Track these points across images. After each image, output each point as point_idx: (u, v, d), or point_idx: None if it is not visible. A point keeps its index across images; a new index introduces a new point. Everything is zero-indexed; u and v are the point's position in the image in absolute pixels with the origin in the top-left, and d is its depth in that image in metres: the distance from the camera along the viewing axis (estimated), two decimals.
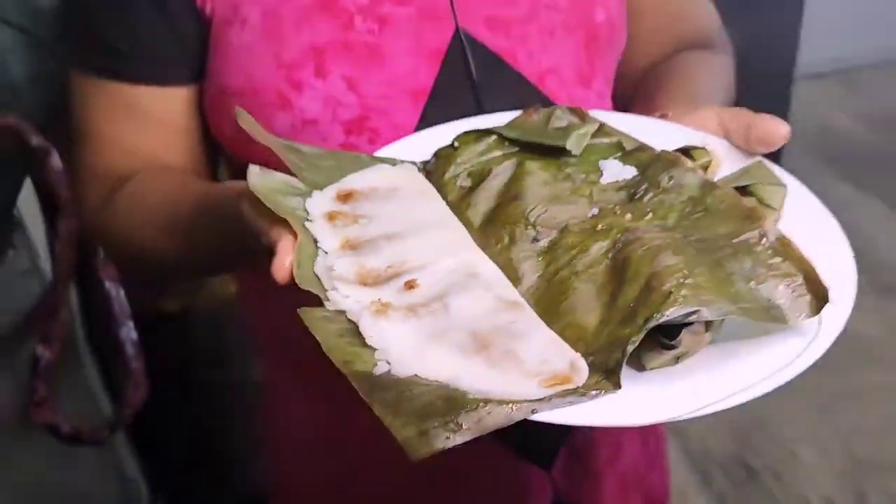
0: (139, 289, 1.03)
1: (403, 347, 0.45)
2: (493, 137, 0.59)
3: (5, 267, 0.93)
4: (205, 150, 0.77)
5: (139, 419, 1.08)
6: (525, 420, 0.43)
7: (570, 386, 0.43)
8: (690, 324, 0.44)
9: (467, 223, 0.55)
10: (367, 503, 0.87)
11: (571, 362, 0.45)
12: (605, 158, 0.57)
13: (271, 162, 0.56)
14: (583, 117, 0.60)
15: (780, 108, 2.87)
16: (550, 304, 0.48)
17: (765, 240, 0.48)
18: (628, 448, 0.91)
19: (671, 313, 0.43)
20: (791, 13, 2.73)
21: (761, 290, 0.46)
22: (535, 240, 0.51)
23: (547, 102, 0.69)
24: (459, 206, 0.56)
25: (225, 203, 0.58)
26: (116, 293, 0.97)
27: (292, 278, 0.49)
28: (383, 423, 0.42)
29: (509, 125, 0.61)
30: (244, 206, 0.53)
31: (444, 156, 0.59)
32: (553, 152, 0.57)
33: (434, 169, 0.59)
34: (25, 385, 0.99)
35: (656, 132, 0.59)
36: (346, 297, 0.48)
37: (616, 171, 0.55)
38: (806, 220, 0.53)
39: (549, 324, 0.47)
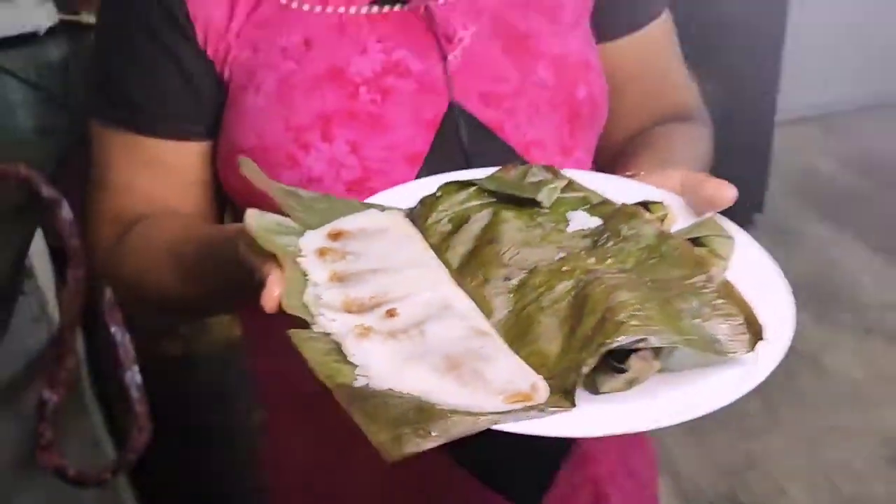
0: (144, 333, 1.04)
1: (382, 365, 0.50)
2: (473, 188, 0.64)
3: (16, 314, 0.95)
4: (214, 199, 0.81)
5: (140, 461, 1.09)
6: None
7: (531, 403, 0.48)
8: (639, 350, 0.49)
9: (446, 263, 0.59)
10: None
11: (533, 384, 0.49)
12: (573, 210, 0.62)
13: (273, 210, 0.60)
14: (555, 174, 0.65)
15: (761, 151, 2.91)
16: (517, 335, 0.53)
17: (711, 284, 0.53)
18: (615, 494, 0.92)
19: (622, 340, 0.48)
20: (770, 60, 2.78)
21: (705, 326, 0.51)
22: (507, 279, 0.56)
23: None
24: (440, 248, 0.60)
25: (224, 244, 0.62)
26: (122, 338, 0.98)
27: (281, 309, 0.52)
28: (361, 428, 0.46)
29: (488, 178, 0.65)
30: (241, 245, 0.57)
31: (428, 203, 0.64)
32: (526, 204, 0.62)
33: (418, 215, 0.63)
34: (31, 428, 1.00)
35: (621, 189, 0.64)
36: (332, 321, 0.52)
37: (582, 221, 0.60)
38: (752, 269, 0.58)
39: (516, 351, 0.52)
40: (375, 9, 0.75)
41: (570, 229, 0.60)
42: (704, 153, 0.85)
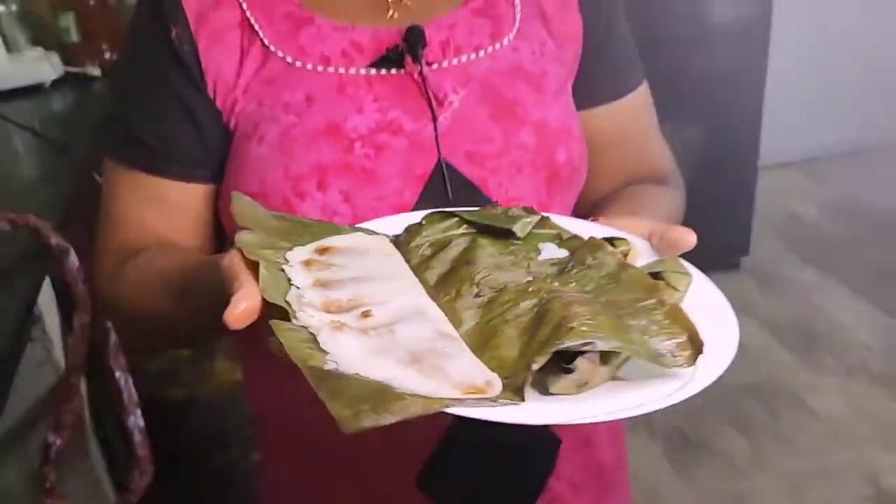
0: (148, 378, 1.06)
1: (351, 355, 0.53)
2: (455, 219, 0.69)
3: (23, 359, 0.97)
4: (214, 237, 0.85)
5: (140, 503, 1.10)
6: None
7: (484, 396, 0.52)
8: (586, 353, 0.53)
9: (424, 282, 0.63)
10: None
11: (488, 380, 0.53)
12: (545, 242, 0.67)
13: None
14: (531, 212, 0.70)
15: (746, 196, 2.96)
16: (481, 342, 0.57)
17: (660, 307, 0.57)
18: None
19: (570, 341, 0.52)
20: (752, 108, 2.83)
21: (650, 341, 0.55)
22: (478, 295, 0.60)
23: None
24: (419, 269, 0.64)
25: (212, 270, 0.63)
26: (126, 382, 1.00)
27: (242, 326, 0.55)
28: (325, 404, 0.49)
29: (469, 211, 0.70)
30: (223, 260, 0.60)
31: (413, 230, 0.68)
32: (503, 235, 0.67)
33: (402, 240, 0.68)
34: (34, 470, 1.01)
35: (594, 231, 0.69)
36: (311, 316, 0.56)
37: (552, 252, 0.65)
38: (706, 302, 0.62)
39: (478, 356, 0.55)
40: (373, 71, 0.79)
41: (540, 258, 0.64)
42: (674, 211, 0.89)
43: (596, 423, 0.90)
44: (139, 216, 0.82)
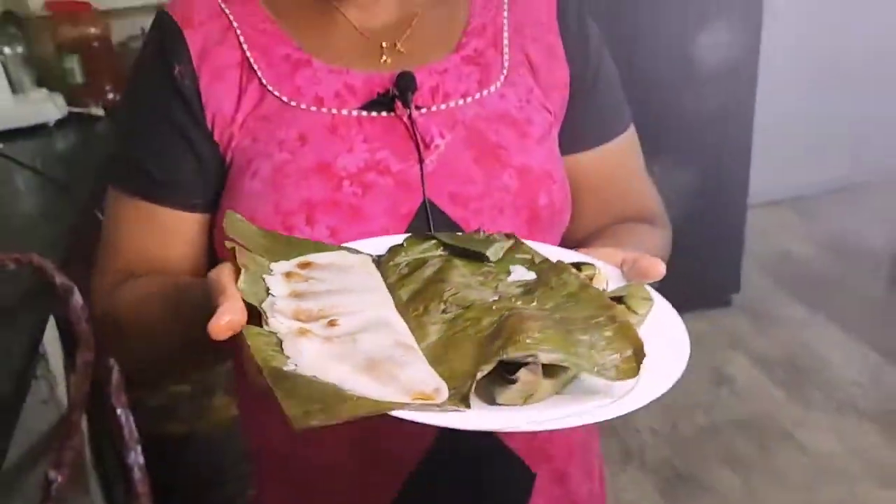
0: (148, 414, 1.07)
1: (311, 359, 0.55)
2: (434, 241, 0.72)
3: (28, 396, 0.98)
4: (208, 264, 0.86)
5: None
6: None
7: (431, 402, 0.54)
8: (528, 364, 0.55)
9: (397, 298, 0.65)
10: None
11: (437, 388, 0.55)
12: (515, 265, 0.70)
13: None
14: (511, 238, 0.73)
15: (736, 234, 2.98)
16: (439, 354, 0.59)
17: (611, 323, 0.59)
18: None
19: (515, 352, 0.54)
20: (741, 147, 2.85)
21: (596, 355, 0.56)
22: (445, 312, 0.62)
23: None
24: (395, 286, 0.67)
25: (202, 284, 0.65)
26: (127, 420, 1.01)
27: (227, 337, 0.56)
28: (280, 402, 0.51)
29: (447, 235, 0.74)
30: (211, 273, 0.62)
31: (394, 250, 0.71)
32: (477, 258, 0.70)
33: (384, 259, 0.71)
34: None
35: (569, 258, 0.71)
36: (280, 323, 0.58)
37: (521, 274, 0.68)
38: (666, 327, 0.64)
39: (434, 366, 0.57)
40: (365, 113, 0.82)
41: (509, 279, 0.67)
42: (659, 249, 0.90)
43: (571, 458, 0.92)
44: (138, 241, 0.85)
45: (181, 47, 0.82)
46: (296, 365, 0.55)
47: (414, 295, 0.65)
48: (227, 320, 0.56)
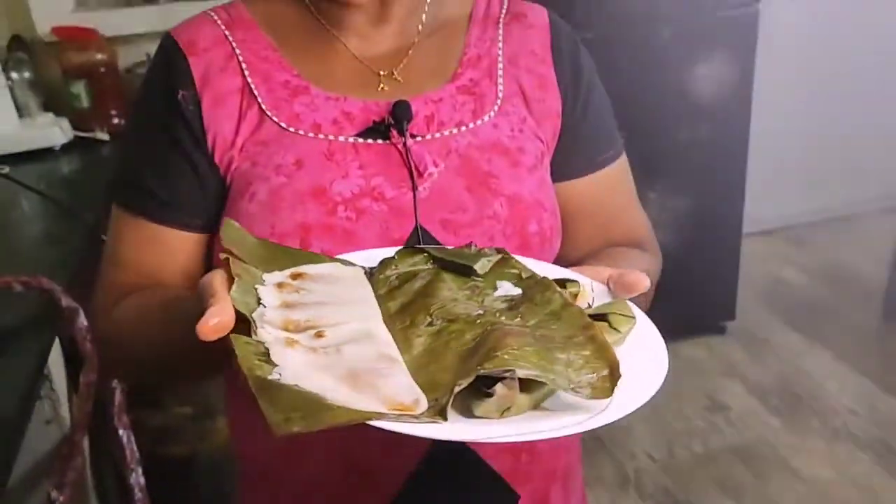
0: (151, 435, 1.07)
1: (295, 369, 0.56)
2: (424, 255, 0.73)
3: (32, 417, 0.98)
4: None
5: None
6: None
7: (409, 413, 0.54)
8: (505, 378, 0.56)
9: (385, 310, 0.66)
10: None
11: (416, 399, 0.56)
12: (502, 280, 0.70)
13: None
14: (501, 253, 0.74)
15: (731, 262, 2.99)
16: (422, 366, 0.60)
17: (590, 343, 0.60)
18: None
19: (492, 367, 0.55)
20: (735, 177, 2.87)
21: (573, 373, 0.57)
22: (430, 325, 0.64)
23: None
24: (384, 299, 0.68)
25: (194, 298, 0.66)
26: (128, 440, 1.01)
27: (213, 339, 0.57)
28: (262, 409, 0.52)
29: (437, 248, 0.74)
30: (203, 277, 0.63)
31: (385, 263, 0.72)
32: (465, 272, 0.71)
33: (376, 271, 0.72)
34: None
35: (552, 274, 0.72)
36: (268, 333, 0.59)
37: (507, 289, 0.69)
38: (648, 345, 0.65)
39: (416, 378, 0.58)
40: (361, 140, 0.84)
41: (495, 294, 0.68)
42: (649, 273, 0.91)
43: (553, 481, 0.93)
44: (140, 258, 0.86)
45: (185, 73, 0.84)
46: (280, 374, 0.56)
47: (402, 307, 0.66)
48: (215, 322, 0.57)
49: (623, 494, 2.36)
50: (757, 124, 2.83)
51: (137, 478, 1.09)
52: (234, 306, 0.59)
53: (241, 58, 0.85)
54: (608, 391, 0.56)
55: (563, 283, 0.69)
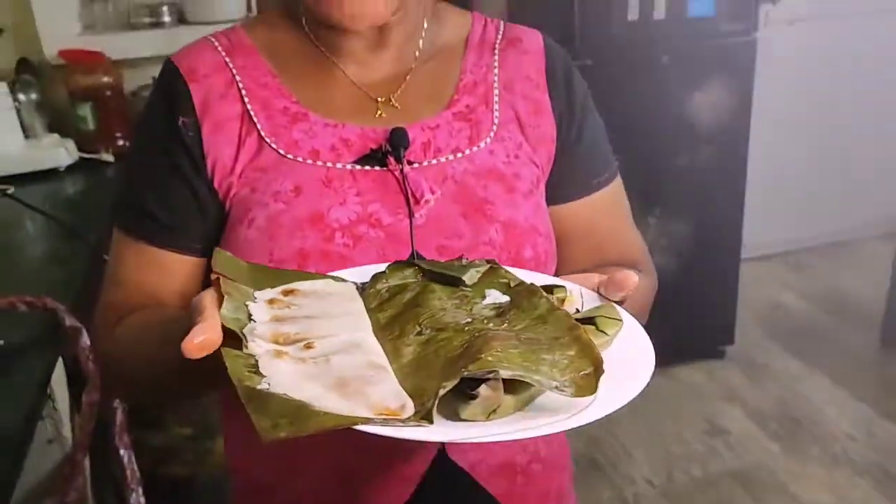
0: (152, 455, 1.07)
1: (284, 378, 0.57)
2: (415, 268, 0.74)
3: (34, 436, 0.98)
4: None
5: None
6: None
7: (395, 417, 0.55)
8: (489, 380, 0.56)
9: (375, 322, 0.67)
10: None
11: (403, 404, 0.56)
12: (491, 289, 0.71)
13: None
14: (489, 262, 0.75)
15: (730, 287, 2.99)
16: (410, 373, 0.60)
17: (575, 343, 0.61)
18: None
19: (475, 369, 0.56)
20: (734, 202, 2.88)
21: (557, 373, 0.58)
22: (420, 334, 0.64)
23: None
24: (375, 311, 0.69)
25: (185, 321, 0.66)
26: (129, 460, 1.01)
27: (198, 356, 0.58)
28: (251, 417, 0.53)
29: (427, 262, 0.75)
30: (193, 298, 0.63)
31: (377, 277, 0.73)
32: (455, 283, 0.71)
33: (367, 286, 0.73)
34: None
35: (543, 282, 0.73)
36: (259, 346, 0.60)
37: (495, 297, 0.69)
38: (632, 343, 0.66)
39: (404, 385, 0.59)
40: (358, 167, 0.84)
41: (484, 302, 0.69)
42: (643, 293, 0.91)
43: (546, 502, 0.93)
44: (140, 280, 0.87)
45: (185, 99, 0.85)
46: (269, 384, 0.56)
47: (392, 319, 0.67)
48: (200, 339, 0.58)
49: None
50: (755, 150, 2.85)
51: (138, 497, 1.10)
52: (223, 323, 0.60)
53: (240, 84, 0.86)
54: (592, 388, 0.56)
55: (550, 289, 0.70)
